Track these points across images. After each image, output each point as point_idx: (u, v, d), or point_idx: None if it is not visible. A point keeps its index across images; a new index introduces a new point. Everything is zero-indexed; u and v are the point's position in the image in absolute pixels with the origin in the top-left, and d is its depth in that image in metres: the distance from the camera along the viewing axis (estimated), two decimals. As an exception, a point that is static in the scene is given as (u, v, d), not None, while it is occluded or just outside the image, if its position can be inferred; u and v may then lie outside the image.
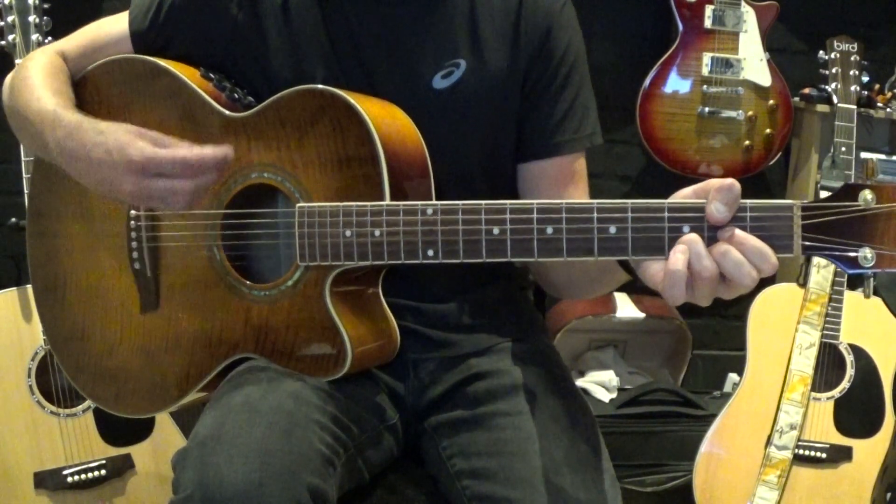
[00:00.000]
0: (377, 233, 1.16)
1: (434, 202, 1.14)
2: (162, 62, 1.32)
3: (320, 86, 1.21)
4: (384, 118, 1.22)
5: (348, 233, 1.17)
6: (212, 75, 1.32)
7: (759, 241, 0.98)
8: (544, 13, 1.33)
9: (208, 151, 1.14)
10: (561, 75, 1.34)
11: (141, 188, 1.15)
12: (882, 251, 0.97)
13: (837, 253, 0.99)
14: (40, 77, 1.31)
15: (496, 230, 1.10)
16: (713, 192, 0.99)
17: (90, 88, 1.36)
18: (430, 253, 1.13)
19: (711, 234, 1.01)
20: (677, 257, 1.00)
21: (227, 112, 1.28)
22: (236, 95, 1.30)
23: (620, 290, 2.70)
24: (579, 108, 1.36)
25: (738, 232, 0.99)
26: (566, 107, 1.35)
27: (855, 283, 2.27)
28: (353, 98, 1.19)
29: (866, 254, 0.98)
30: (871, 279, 2.31)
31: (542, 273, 1.41)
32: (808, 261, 2.27)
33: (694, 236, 1.00)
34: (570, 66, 1.35)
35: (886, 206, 0.97)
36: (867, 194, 0.98)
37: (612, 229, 1.05)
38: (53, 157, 1.24)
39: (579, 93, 1.36)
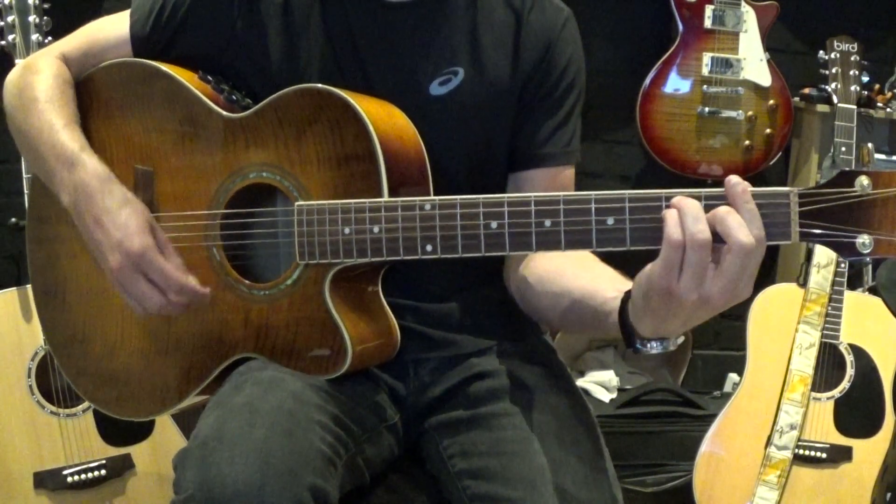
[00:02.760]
0: (376, 229, 1.16)
1: (432, 198, 1.14)
2: (160, 65, 1.32)
3: (318, 85, 1.22)
4: (382, 116, 1.22)
5: (347, 230, 1.17)
6: (209, 77, 1.32)
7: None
8: (546, 27, 1.34)
9: (193, 285, 1.23)
10: (560, 89, 1.35)
11: (122, 270, 1.22)
12: (880, 237, 0.97)
13: (835, 240, 0.98)
14: (49, 100, 1.31)
15: (494, 224, 1.10)
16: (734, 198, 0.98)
17: (90, 92, 1.36)
18: (429, 248, 1.13)
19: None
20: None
21: (225, 113, 1.28)
22: (234, 97, 1.30)
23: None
24: (571, 124, 1.37)
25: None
26: (560, 120, 1.35)
27: (855, 283, 2.27)
28: (350, 97, 1.19)
29: (864, 240, 0.98)
30: (870, 266, 2.31)
31: (529, 301, 1.35)
32: (808, 261, 2.27)
33: (689, 201, 0.99)
34: (570, 82, 1.36)
35: (883, 192, 0.96)
36: (863, 180, 0.97)
37: (610, 220, 1.05)
38: (58, 187, 1.27)
39: (573, 110, 1.37)
